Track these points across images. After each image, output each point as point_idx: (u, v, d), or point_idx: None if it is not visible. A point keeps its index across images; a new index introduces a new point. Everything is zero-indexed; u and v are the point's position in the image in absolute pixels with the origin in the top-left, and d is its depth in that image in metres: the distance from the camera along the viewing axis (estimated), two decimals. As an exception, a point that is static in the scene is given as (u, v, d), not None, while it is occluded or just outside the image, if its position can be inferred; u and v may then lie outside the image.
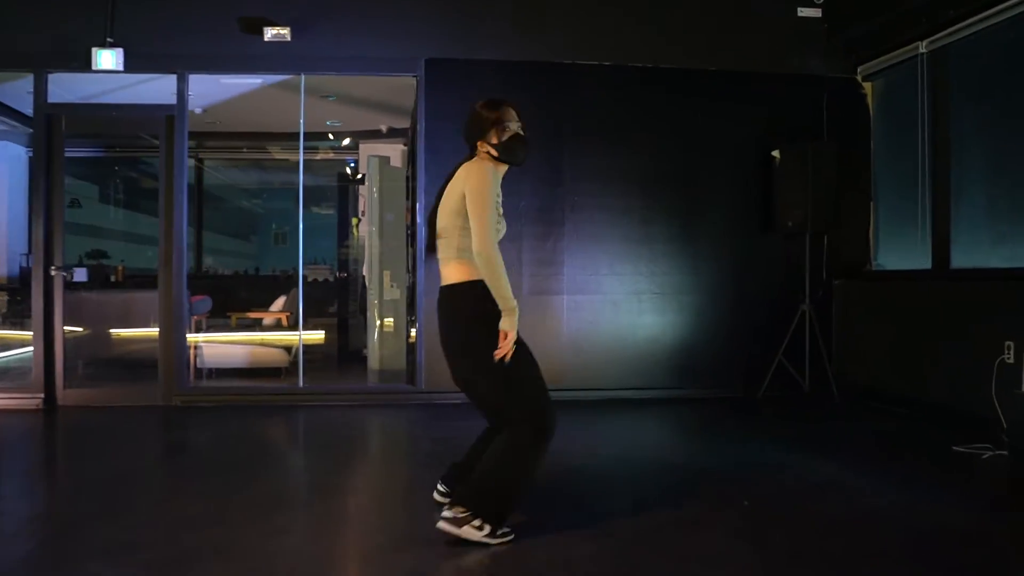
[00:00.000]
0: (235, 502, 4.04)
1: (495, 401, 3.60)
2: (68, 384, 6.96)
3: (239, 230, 16.42)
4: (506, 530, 3.41)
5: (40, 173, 6.90)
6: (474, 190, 3.40)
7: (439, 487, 3.84)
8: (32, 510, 4.10)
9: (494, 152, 3.56)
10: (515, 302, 3.45)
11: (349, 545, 3.60)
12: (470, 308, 3.47)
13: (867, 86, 7.37)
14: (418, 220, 7.04)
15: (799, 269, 7.10)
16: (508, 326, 3.41)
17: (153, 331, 7.58)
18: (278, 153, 11.57)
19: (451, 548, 3.31)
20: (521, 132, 3.62)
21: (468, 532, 3.32)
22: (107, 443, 5.70)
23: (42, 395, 6.82)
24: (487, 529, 3.32)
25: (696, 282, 7.28)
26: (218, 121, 9.52)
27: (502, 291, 3.40)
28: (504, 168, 3.61)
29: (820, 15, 7.33)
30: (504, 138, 3.57)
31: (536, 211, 7.10)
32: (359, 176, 11.21)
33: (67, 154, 7.06)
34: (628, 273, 7.22)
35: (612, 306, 7.21)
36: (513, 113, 3.63)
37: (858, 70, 7.35)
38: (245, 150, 12.10)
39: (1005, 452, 4.76)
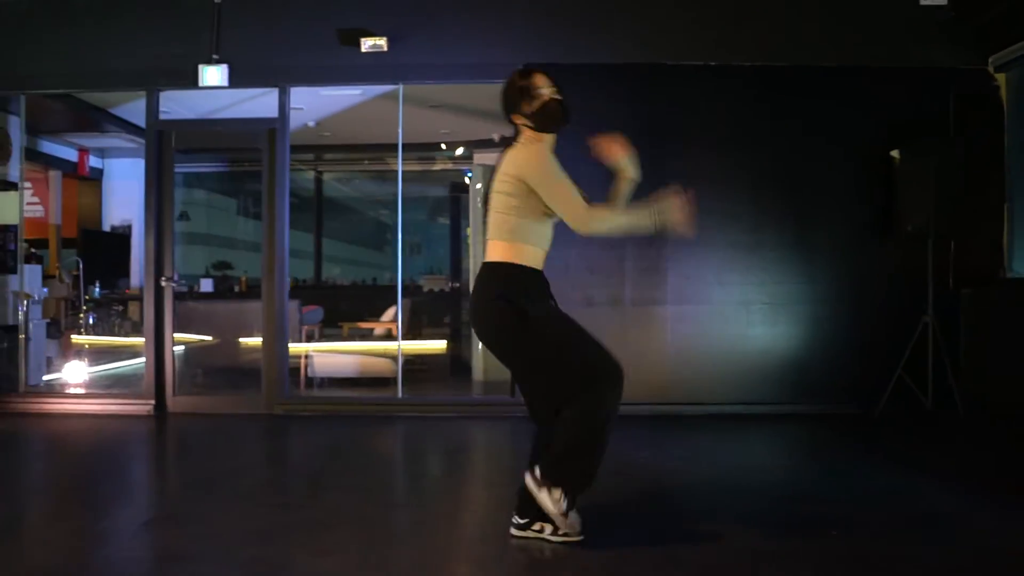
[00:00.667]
0: (296, 517, 3.97)
1: (541, 381, 3.46)
2: (178, 391, 7.15)
3: (371, 240, 16.76)
4: (571, 531, 3.36)
5: (151, 187, 7.15)
6: (538, 177, 3.30)
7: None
8: (100, 515, 4.13)
9: (529, 123, 3.41)
10: (650, 216, 3.45)
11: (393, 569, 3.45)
12: (496, 288, 3.36)
13: (1000, 77, 6.78)
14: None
15: (921, 277, 6.57)
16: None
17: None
18: (395, 164, 11.68)
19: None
20: (555, 96, 3.46)
21: (544, 497, 3.27)
22: (202, 450, 5.82)
23: (152, 402, 7.04)
24: (563, 504, 3.28)
25: (809, 291, 6.86)
26: (333, 134, 9.64)
27: (637, 222, 3.44)
28: (551, 138, 3.49)
29: (945, 2, 6.78)
30: (535, 106, 3.43)
31: (638, 218, 6.84)
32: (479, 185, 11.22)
33: (203, 169, 7.31)
34: (736, 282, 6.88)
35: (719, 317, 6.88)
36: (544, 79, 3.48)
37: (989, 60, 6.77)
38: (367, 162, 12.29)
39: None
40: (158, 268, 7.12)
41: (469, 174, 11.72)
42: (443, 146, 10.71)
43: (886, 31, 6.85)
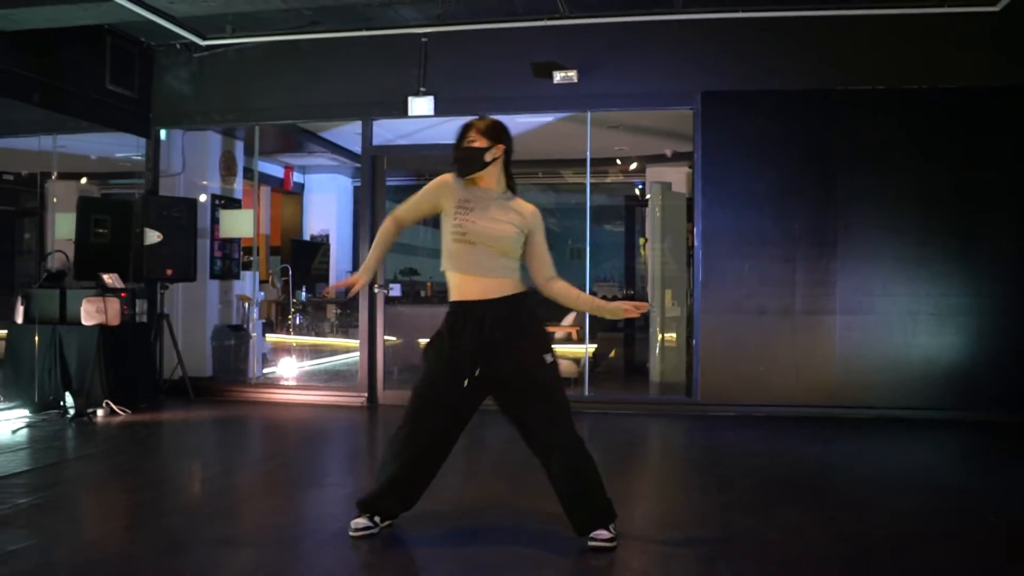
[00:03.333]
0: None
1: (553, 396, 3.73)
2: (387, 386, 8.08)
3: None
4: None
5: (366, 204, 8.09)
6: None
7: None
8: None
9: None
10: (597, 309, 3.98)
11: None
12: (536, 319, 3.81)
13: None
14: (695, 244, 7.50)
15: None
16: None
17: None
18: (570, 177, 12.43)
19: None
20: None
21: (614, 541, 3.65)
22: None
23: (366, 394, 7.98)
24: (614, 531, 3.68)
25: (975, 303, 7.16)
26: (515, 151, 10.49)
27: (588, 307, 4.18)
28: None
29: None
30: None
31: (809, 232, 7.33)
32: (645, 198, 11.86)
33: (389, 183, 8.22)
34: (902, 294, 7.25)
35: (886, 326, 7.27)
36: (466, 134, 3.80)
37: None
38: (540, 175, 13.11)
39: None
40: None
41: (640, 186, 12.38)
42: (618, 161, 11.37)
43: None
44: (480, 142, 3.71)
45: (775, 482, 5.09)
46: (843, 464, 5.65)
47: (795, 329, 7.36)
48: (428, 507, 3.99)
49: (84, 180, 10.32)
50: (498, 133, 3.77)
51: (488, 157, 3.70)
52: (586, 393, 7.91)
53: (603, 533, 3.62)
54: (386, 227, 3.91)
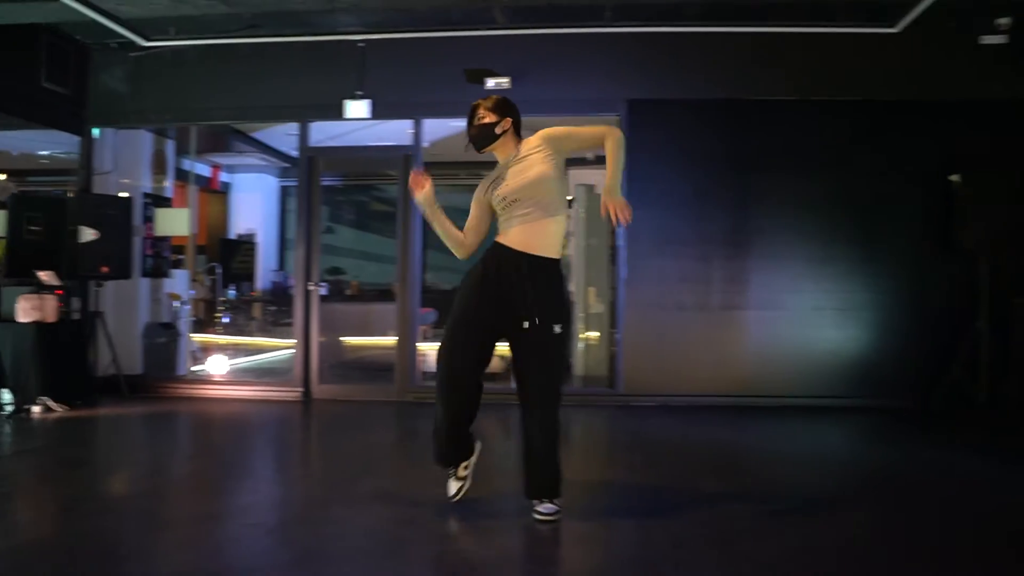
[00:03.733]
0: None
1: (556, 375, 4.12)
2: (321, 381, 8.30)
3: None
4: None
5: (303, 204, 8.30)
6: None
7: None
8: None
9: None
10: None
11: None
12: (565, 289, 4.21)
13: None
14: (620, 243, 7.93)
15: (976, 289, 7.47)
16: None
17: (380, 339, 8.92)
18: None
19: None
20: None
21: (557, 515, 4.03)
22: (340, 430, 6.92)
23: (301, 388, 8.19)
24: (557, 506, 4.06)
25: (875, 299, 7.77)
26: (441, 153, 10.74)
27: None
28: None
29: (1005, 40, 7.53)
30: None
31: (724, 233, 7.83)
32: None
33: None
34: (810, 290, 7.81)
35: (794, 321, 7.82)
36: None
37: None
38: (463, 176, 13.39)
39: None
40: (306, 274, 8.26)
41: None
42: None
43: (945, 68, 7.71)
44: (489, 118, 4.13)
45: (696, 461, 5.55)
46: (757, 446, 6.15)
47: (712, 324, 7.86)
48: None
49: (3, 176, 10.25)
50: (504, 108, 4.17)
51: (499, 130, 4.13)
52: (512, 385, 8.19)
53: (549, 507, 4.01)
54: (463, 243, 4.29)
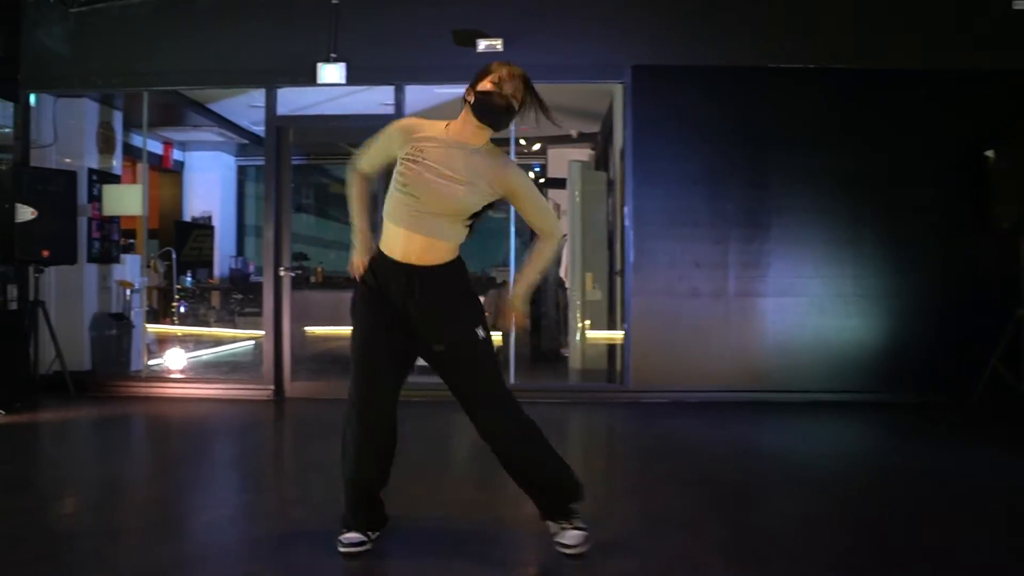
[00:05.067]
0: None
1: (491, 374, 3.33)
2: (294, 377, 7.44)
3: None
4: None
5: (270, 181, 7.42)
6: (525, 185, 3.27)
7: None
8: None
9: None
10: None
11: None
12: (468, 284, 3.37)
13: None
14: (625, 224, 7.18)
15: (1015, 272, 6.85)
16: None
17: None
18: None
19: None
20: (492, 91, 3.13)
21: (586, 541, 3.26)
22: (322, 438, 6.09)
23: (272, 387, 7.33)
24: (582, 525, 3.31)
25: (904, 285, 7.13)
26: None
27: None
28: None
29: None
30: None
31: (742, 213, 7.13)
32: (542, 180, 11.51)
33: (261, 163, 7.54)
34: (833, 275, 7.16)
35: (817, 308, 7.16)
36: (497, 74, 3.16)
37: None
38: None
39: None
40: (276, 258, 7.39)
41: (537, 168, 12.03)
42: (522, 141, 10.93)
43: (979, 36, 7.09)
44: (518, 98, 3.15)
45: (752, 474, 4.83)
46: (802, 450, 5.47)
47: (729, 312, 7.17)
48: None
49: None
50: (530, 90, 3.20)
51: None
52: (512, 381, 7.46)
53: (573, 534, 3.22)
54: (356, 183, 3.41)
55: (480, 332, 3.24)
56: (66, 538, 3.55)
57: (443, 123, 3.22)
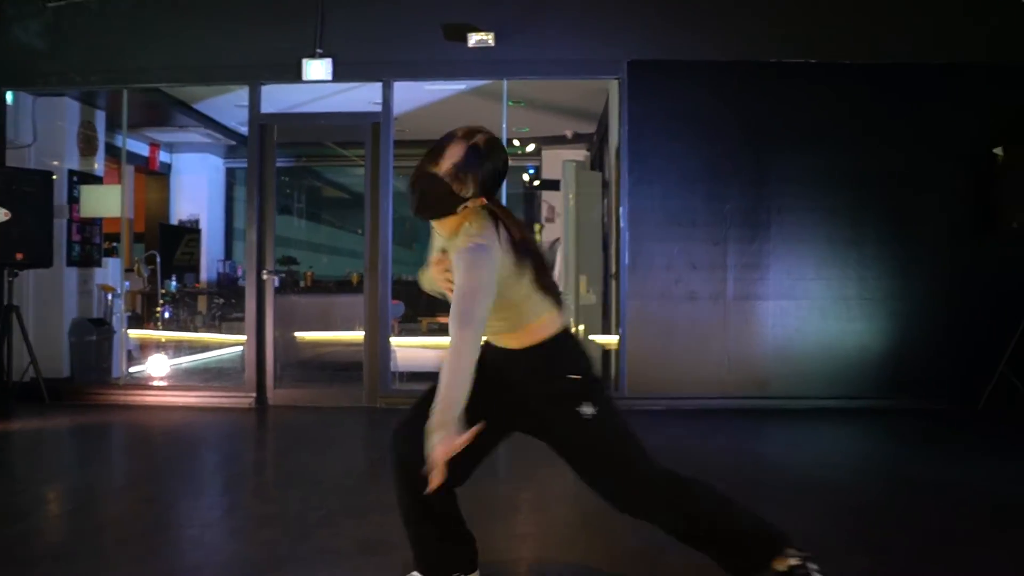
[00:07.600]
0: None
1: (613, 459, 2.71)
2: (278, 384, 7.19)
3: (400, 239, 16.80)
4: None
5: (253, 181, 7.18)
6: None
7: None
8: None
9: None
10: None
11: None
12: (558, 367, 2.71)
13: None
14: (621, 224, 6.94)
15: (1024, 274, 6.62)
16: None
17: (343, 335, 7.88)
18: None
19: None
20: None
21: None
22: (302, 447, 5.86)
23: (254, 395, 7.08)
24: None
25: (909, 287, 6.88)
26: (407, 130, 9.67)
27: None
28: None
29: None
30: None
31: (741, 213, 6.89)
32: (536, 182, 11.25)
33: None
34: (836, 277, 6.91)
35: (819, 312, 6.91)
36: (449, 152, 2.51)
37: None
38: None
39: None
40: (259, 261, 7.14)
41: (532, 170, 11.77)
42: (515, 142, 10.68)
43: (987, 29, 6.87)
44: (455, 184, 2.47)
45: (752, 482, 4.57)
46: (816, 461, 5.20)
47: (728, 316, 6.92)
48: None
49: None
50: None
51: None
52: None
53: None
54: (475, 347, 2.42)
55: (586, 410, 2.62)
56: (23, 562, 3.30)
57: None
